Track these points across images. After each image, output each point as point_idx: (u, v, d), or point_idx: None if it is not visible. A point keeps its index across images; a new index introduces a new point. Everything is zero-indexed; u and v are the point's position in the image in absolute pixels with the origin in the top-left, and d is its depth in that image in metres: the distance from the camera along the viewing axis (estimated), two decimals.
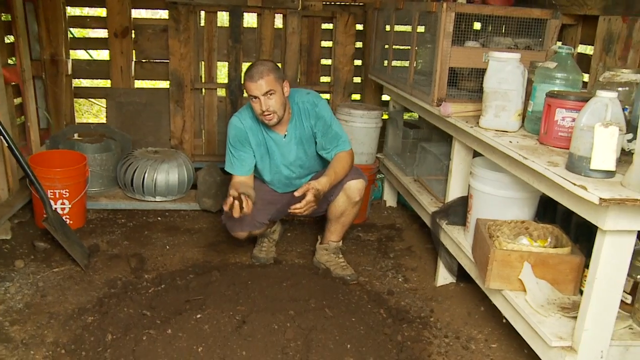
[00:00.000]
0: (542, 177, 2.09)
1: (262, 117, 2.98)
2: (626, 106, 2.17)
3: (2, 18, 3.70)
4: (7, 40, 3.77)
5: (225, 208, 2.83)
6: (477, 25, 3.49)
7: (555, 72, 2.45)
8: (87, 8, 4.93)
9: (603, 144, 1.86)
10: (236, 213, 2.79)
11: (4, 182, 3.47)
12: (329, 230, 3.26)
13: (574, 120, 2.16)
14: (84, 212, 3.72)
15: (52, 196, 3.41)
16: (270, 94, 2.91)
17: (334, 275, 3.18)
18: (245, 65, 4.65)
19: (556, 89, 2.41)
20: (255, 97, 2.91)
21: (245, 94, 4.49)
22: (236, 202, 2.79)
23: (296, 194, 2.84)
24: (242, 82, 3.03)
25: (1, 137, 3.04)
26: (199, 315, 2.38)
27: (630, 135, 2.13)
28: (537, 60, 2.80)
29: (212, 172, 4.04)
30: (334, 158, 3.08)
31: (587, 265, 2.15)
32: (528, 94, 2.57)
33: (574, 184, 1.86)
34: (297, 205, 2.84)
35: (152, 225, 3.80)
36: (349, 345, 2.32)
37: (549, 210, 2.76)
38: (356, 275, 3.21)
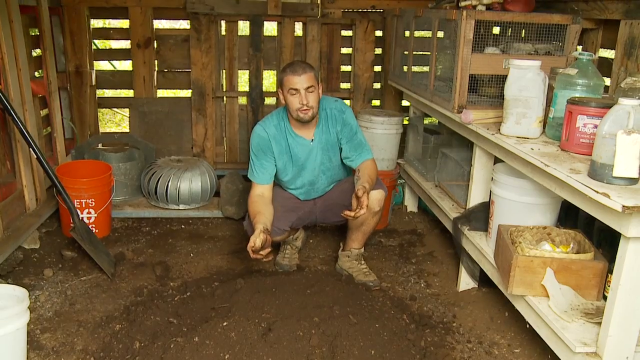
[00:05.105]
0: (565, 184, 2.10)
1: (298, 112, 3.02)
2: None
3: (30, 32, 3.78)
4: (34, 54, 3.85)
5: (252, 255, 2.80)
6: (496, 30, 3.48)
7: (576, 79, 2.45)
8: (110, 20, 5.00)
9: (625, 152, 1.87)
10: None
11: (32, 193, 3.54)
12: (351, 238, 3.29)
13: (595, 127, 2.16)
14: (109, 221, 3.78)
15: (78, 206, 3.47)
16: (311, 90, 2.98)
17: (356, 281, 3.20)
18: (266, 73, 4.71)
19: (577, 95, 2.42)
20: (296, 91, 2.97)
21: (266, 101, 4.59)
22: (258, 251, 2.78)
23: (358, 193, 2.79)
24: (281, 78, 3.03)
25: (30, 149, 3.12)
26: (225, 323, 2.40)
27: None
28: (558, 66, 2.80)
29: (234, 179, 4.08)
30: (362, 165, 3.11)
31: (610, 271, 2.15)
32: (549, 101, 2.58)
33: (597, 192, 1.87)
34: (359, 211, 2.79)
35: (176, 233, 3.86)
36: (373, 352, 2.33)
37: (571, 216, 2.75)
38: (379, 281, 3.23)
